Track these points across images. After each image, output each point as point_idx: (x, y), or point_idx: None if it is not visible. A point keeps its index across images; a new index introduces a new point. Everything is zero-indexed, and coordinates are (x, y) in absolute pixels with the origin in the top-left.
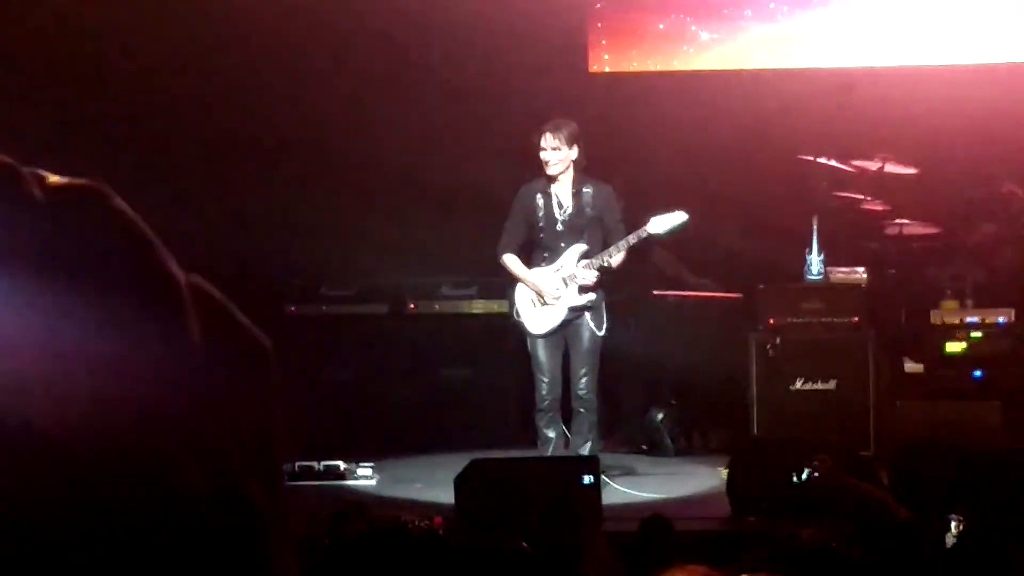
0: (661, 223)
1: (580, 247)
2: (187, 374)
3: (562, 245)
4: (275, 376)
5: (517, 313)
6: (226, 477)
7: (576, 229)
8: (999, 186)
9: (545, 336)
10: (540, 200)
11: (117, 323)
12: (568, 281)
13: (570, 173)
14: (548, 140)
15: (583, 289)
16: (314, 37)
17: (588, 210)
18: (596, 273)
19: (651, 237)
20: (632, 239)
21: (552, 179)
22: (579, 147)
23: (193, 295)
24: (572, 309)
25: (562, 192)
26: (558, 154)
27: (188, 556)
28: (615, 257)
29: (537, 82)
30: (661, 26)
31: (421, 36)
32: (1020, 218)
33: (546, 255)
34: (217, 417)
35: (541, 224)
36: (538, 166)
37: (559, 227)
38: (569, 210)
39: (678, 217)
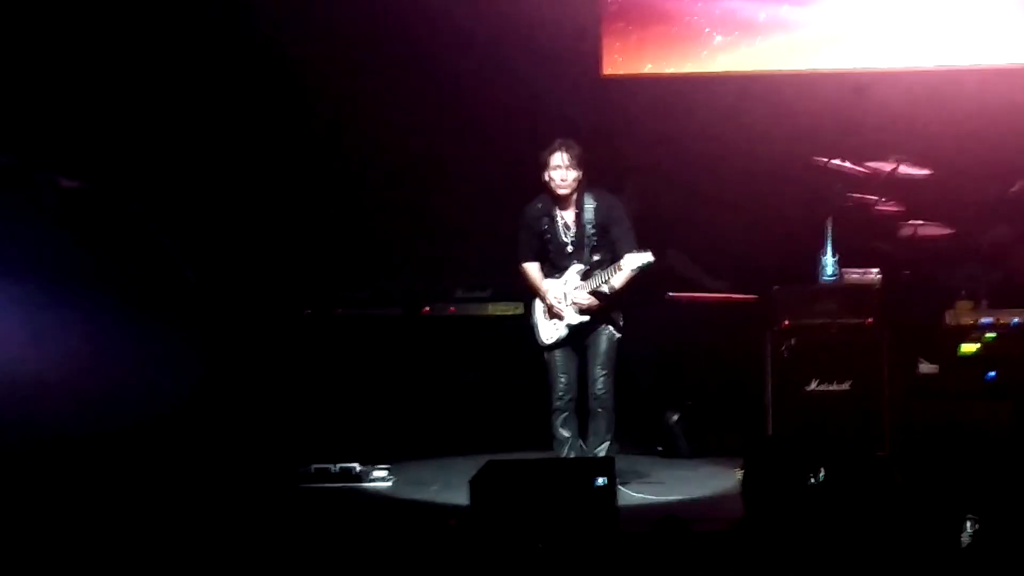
0: (632, 261)
1: (579, 267)
2: (198, 376)
3: (573, 262)
4: (282, 375)
5: (533, 321)
6: (235, 471)
7: (583, 246)
8: (1010, 185)
9: (554, 345)
10: (545, 223)
11: (131, 327)
12: (569, 298)
13: (574, 193)
14: (561, 158)
15: (582, 309)
16: (330, 44)
17: (591, 227)
18: (589, 298)
19: (622, 272)
20: (609, 272)
21: (556, 199)
22: (584, 169)
23: (210, 300)
24: (571, 327)
25: (566, 212)
26: (570, 173)
27: (195, 553)
28: (604, 286)
29: (551, 86)
30: (675, 29)
31: (434, 41)
32: None
33: (558, 269)
34: (227, 415)
35: (550, 245)
36: (543, 184)
37: (568, 248)
38: (573, 230)
39: (645, 257)
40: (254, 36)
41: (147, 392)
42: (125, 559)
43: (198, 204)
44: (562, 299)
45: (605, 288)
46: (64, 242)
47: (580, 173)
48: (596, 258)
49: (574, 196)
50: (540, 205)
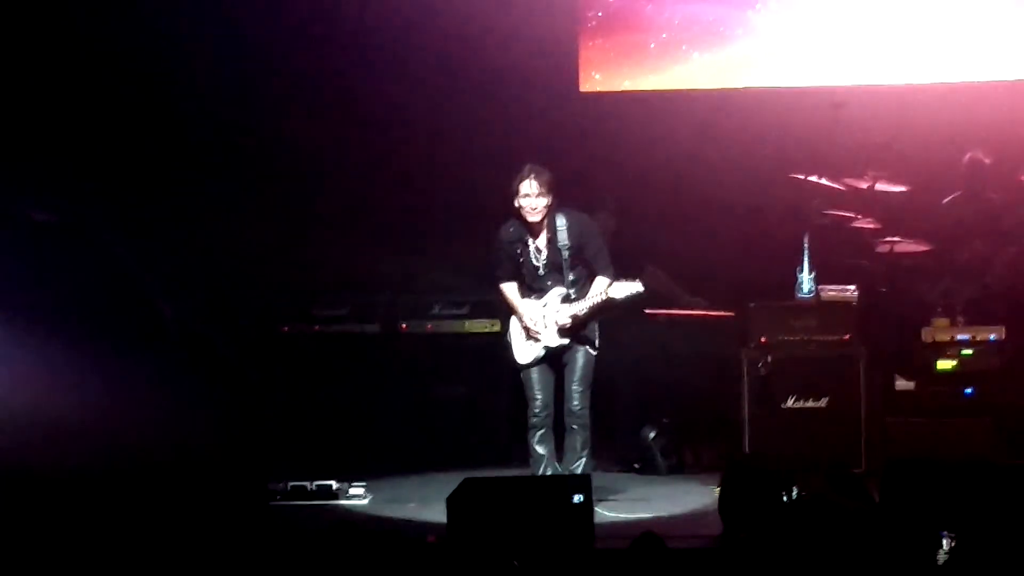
0: (621, 289)
1: (561, 290)
2: (172, 405)
3: (549, 284)
4: (255, 403)
5: (508, 340)
6: (210, 493)
7: (557, 268)
8: (964, 156)
9: (529, 365)
10: (518, 248)
11: (105, 357)
12: (548, 321)
13: (545, 218)
14: (531, 186)
15: (562, 332)
16: (308, 61)
17: (565, 249)
18: (569, 320)
19: (610, 301)
20: (596, 301)
21: (526, 224)
22: (554, 193)
23: (181, 329)
24: (549, 348)
25: (538, 238)
26: (541, 200)
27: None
28: (585, 311)
29: (529, 103)
30: (652, 46)
31: (412, 61)
32: (984, 185)
33: (535, 290)
34: (202, 440)
35: (523, 269)
36: (514, 209)
37: (540, 271)
38: (545, 253)
39: (636, 287)
40: (231, 55)
41: (120, 418)
42: None
43: (176, 221)
44: (540, 320)
45: (587, 312)
46: (35, 276)
47: (550, 199)
48: (572, 278)
49: (545, 220)
50: (512, 229)
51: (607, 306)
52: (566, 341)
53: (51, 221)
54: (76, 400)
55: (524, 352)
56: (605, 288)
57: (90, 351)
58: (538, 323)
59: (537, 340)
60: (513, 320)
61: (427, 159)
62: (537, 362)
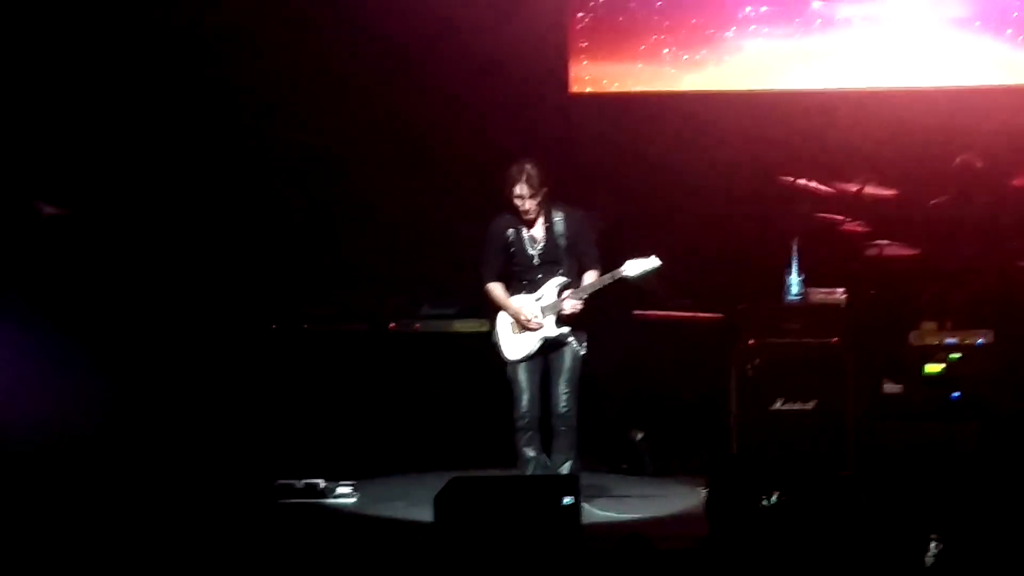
0: (635, 267)
1: (559, 280)
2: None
3: (540, 276)
4: (248, 390)
5: (496, 337)
6: (183, 492)
7: (551, 260)
8: (955, 159)
9: (521, 361)
10: (512, 237)
11: (88, 349)
12: (547, 312)
13: (540, 209)
14: (522, 189)
15: (561, 321)
16: (304, 62)
17: (560, 240)
18: (576, 304)
19: (625, 279)
20: (607, 279)
21: (521, 216)
22: (548, 185)
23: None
24: (547, 339)
25: (533, 227)
26: (533, 201)
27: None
28: (588, 293)
29: (518, 104)
30: (643, 47)
31: (402, 61)
32: (975, 189)
33: (525, 283)
34: (193, 430)
35: (516, 259)
36: (507, 202)
37: (535, 260)
38: (541, 244)
39: (651, 262)
40: (222, 53)
41: (112, 408)
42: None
43: (166, 219)
44: (537, 314)
45: (581, 299)
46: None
47: (543, 194)
48: (565, 269)
49: (540, 213)
50: (508, 217)
51: (617, 285)
52: (566, 330)
53: (60, 214)
54: (62, 382)
55: (514, 347)
56: (619, 268)
57: (88, 347)
58: (537, 315)
59: (533, 332)
60: (500, 317)
61: (416, 160)
62: (528, 358)
